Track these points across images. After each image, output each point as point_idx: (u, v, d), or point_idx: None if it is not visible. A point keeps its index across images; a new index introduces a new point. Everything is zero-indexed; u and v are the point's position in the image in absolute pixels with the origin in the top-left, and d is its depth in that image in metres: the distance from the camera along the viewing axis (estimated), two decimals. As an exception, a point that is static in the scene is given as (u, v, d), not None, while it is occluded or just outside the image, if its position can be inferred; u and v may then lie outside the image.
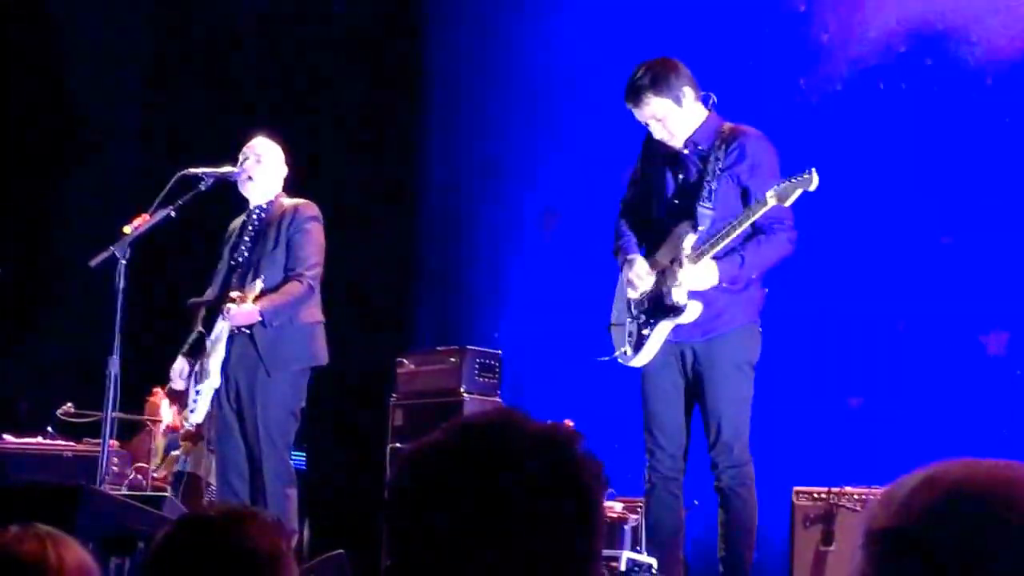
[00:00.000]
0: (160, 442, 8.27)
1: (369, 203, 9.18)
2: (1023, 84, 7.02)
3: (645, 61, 5.15)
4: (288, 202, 6.21)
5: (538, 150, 8.94)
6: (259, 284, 5.95)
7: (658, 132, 5.04)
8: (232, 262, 6.19)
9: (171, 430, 8.22)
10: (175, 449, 8.17)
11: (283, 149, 6.35)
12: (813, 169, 4.75)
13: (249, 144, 6.28)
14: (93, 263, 5.97)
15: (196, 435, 7.73)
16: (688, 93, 5.01)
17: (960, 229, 6.98)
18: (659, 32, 8.06)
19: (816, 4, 7.79)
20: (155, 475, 7.87)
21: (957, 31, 7.21)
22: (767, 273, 5.15)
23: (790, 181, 4.77)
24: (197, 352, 6.17)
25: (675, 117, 4.99)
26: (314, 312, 6.09)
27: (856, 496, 5.98)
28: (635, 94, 5.00)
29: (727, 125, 5.07)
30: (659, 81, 4.99)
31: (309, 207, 6.17)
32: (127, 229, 5.95)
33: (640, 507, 6.09)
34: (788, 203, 4.78)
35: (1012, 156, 7.02)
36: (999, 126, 7.09)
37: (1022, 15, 7.03)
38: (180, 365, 6.19)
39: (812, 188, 4.76)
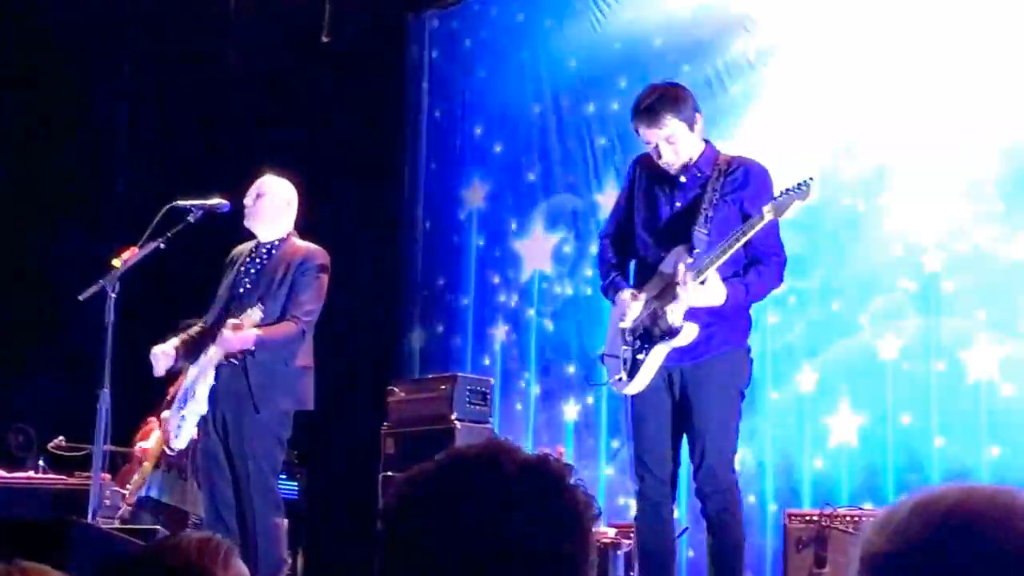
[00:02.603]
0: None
1: (359, 232, 9.17)
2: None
3: (654, 84, 5.15)
4: (300, 246, 6.20)
5: (527, 179, 8.97)
6: (258, 312, 5.94)
7: (666, 155, 5.00)
8: (233, 292, 6.18)
9: (143, 452, 7.97)
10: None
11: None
12: (812, 179, 4.73)
13: (256, 181, 6.30)
14: (83, 296, 5.97)
15: (160, 459, 7.65)
16: (698, 119, 5.04)
17: (946, 248, 6.99)
18: (637, 61, 8.11)
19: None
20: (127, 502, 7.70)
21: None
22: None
23: (787, 194, 4.76)
24: (193, 353, 6.14)
25: (685, 141, 4.98)
26: (305, 358, 6.09)
27: (848, 518, 5.97)
28: (653, 113, 4.96)
29: (725, 155, 5.08)
30: (677, 103, 4.99)
31: (321, 255, 6.16)
32: (116, 262, 5.95)
33: (632, 533, 6.08)
34: (786, 216, 4.77)
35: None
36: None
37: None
38: (168, 348, 6.13)
39: (808, 199, 4.75)
